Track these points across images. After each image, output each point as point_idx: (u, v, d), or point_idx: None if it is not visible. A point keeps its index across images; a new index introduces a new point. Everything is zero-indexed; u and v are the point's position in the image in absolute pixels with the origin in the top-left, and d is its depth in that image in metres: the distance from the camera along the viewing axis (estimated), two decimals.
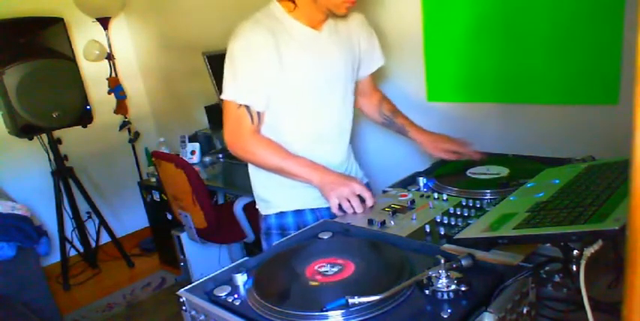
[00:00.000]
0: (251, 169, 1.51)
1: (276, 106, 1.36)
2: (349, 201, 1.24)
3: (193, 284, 0.93)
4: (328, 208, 1.37)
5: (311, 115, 1.41)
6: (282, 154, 1.34)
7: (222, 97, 1.33)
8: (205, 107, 2.93)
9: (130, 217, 3.62)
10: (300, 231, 1.16)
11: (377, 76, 2.25)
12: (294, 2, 1.31)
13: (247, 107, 1.31)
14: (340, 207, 1.26)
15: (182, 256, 2.77)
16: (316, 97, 1.39)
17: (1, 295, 2.21)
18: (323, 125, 1.44)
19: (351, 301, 0.76)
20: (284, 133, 1.40)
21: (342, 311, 0.77)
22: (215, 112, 2.91)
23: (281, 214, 1.48)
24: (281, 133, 1.39)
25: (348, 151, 1.55)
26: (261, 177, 1.48)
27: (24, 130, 2.77)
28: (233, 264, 1.03)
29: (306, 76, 1.35)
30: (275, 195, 1.48)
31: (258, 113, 1.34)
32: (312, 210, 1.48)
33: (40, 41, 2.81)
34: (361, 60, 1.52)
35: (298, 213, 1.48)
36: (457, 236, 0.99)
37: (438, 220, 1.13)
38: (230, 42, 1.31)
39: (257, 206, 1.55)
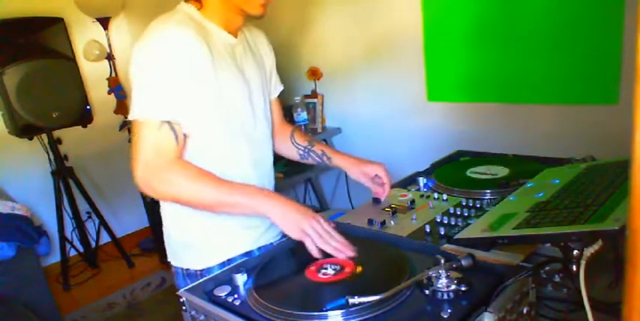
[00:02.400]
0: (169, 209, 1.20)
1: (206, 126, 1.10)
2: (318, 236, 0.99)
3: (193, 284, 0.93)
4: (277, 242, 1.21)
5: (244, 136, 1.18)
6: (221, 183, 1.04)
7: (133, 116, 1.03)
8: None
9: (130, 217, 3.62)
10: None
11: (376, 77, 2.26)
12: (200, 1, 1.10)
13: (171, 125, 1.03)
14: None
15: None
16: (247, 115, 1.18)
17: (1, 295, 2.21)
18: (256, 147, 1.22)
19: (351, 301, 0.76)
20: (214, 160, 1.13)
21: (342, 311, 0.77)
22: None
23: (228, 263, 1.17)
24: (210, 160, 1.12)
25: (272, 180, 1.32)
26: (194, 216, 1.14)
27: (24, 130, 2.77)
28: (233, 264, 1.03)
29: (234, 89, 1.14)
30: (220, 237, 1.19)
31: (184, 134, 1.06)
32: (260, 248, 1.24)
33: (40, 41, 2.81)
34: (269, 78, 1.34)
35: (248, 255, 1.20)
36: (457, 236, 0.99)
37: (438, 220, 1.13)
38: (141, 49, 1.05)
39: (178, 263, 1.21)
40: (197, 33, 1.05)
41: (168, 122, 1.03)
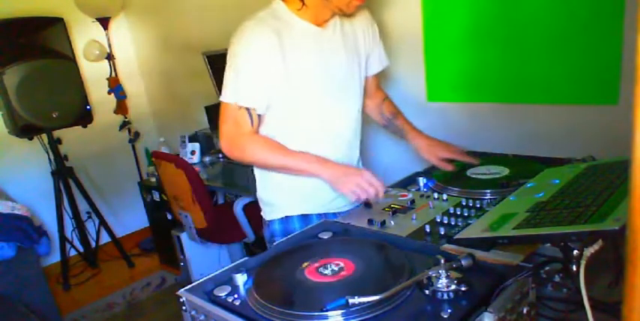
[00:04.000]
0: (257, 171, 1.47)
1: (277, 104, 1.31)
2: (360, 191, 1.22)
3: (193, 284, 0.93)
4: (335, 214, 1.37)
5: (315, 114, 1.36)
6: (285, 151, 1.30)
7: (222, 98, 1.29)
8: (205, 107, 2.93)
9: (130, 217, 3.62)
10: (300, 231, 1.17)
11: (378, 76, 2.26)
12: (302, 1, 1.27)
13: (248, 109, 1.27)
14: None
15: (182, 256, 2.77)
16: (323, 98, 1.35)
17: (1, 295, 2.21)
18: (328, 125, 1.39)
19: (351, 301, 0.76)
20: (284, 131, 1.35)
21: (342, 311, 0.77)
22: (215, 112, 2.88)
23: (286, 219, 1.43)
24: (282, 132, 1.34)
25: (355, 152, 1.50)
26: (266, 179, 1.43)
27: (24, 130, 2.77)
28: (233, 264, 1.03)
29: (311, 77, 1.31)
30: (280, 198, 1.43)
31: (259, 116, 1.30)
32: (319, 215, 1.42)
33: (40, 41, 2.81)
34: (367, 58, 1.48)
35: (304, 218, 1.42)
36: (457, 236, 0.99)
37: (438, 220, 1.13)
38: (232, 42, 1.27)
39: (261, 212, 1.49)
40: (272, 29, 1.24)
41: (245, 108, 1.27)
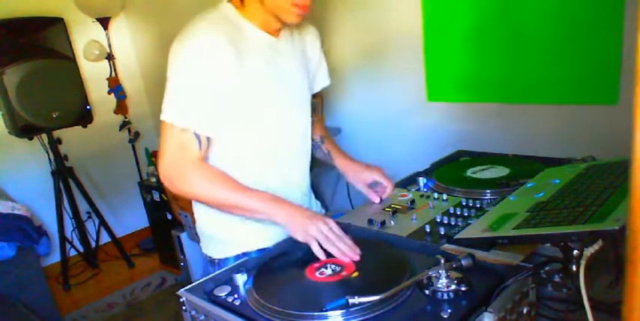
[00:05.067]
0: (198, 205, 1.26)
1: (229, 124, 1.13)
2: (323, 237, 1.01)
3: (193, 284, 0.93)
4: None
5: (268, 133, 1.19)
6: (237, 187, 1.09)
7: (164, 118, 1.07)
8: None
9: (130, 217, 3.62)
10: None
11: (376, 77, 2.26)
12: (242, 0, 1.12)
13: (195, 132, 1.07)
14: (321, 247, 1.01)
15: (182, 256, 2.76)
16: (275, 112, 1.19)
17: (1, 295, 2.21)
18: (281, 144, 1.22)
19: (351, 301, 0.77)
20: (235, 154, 1.18)
21: (342, 311, 0.77)
22: None
23: (243, 256, 1.20)
24: (231, 156, 1.17)
25: (307, 177, 1.34)
26: (214, 211, 1.20)
27: (24, 130, 2.77)
28: (233, 264, 1.04)
29: (266, 88, 1.16)
30: (235, 232, 1.23)
31: (208, 138, 1.10)
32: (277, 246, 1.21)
33: (40, 41, 2.81)
34: (314, 74, 1.36)
35: (262, 252, 1.20)
36: (457, 236, 0.99)
37: (438, 220, 1.13)
38: (176, 48, 1.08)
39: (204, 250, 1.29)
40: (226, 36, 1.07)
41: (194, 131, 1.07)
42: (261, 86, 1.14)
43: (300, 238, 1.03)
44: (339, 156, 1.41)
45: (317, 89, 1.40)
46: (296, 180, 1.29)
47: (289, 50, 1.22)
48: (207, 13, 1.12)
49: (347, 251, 0.97)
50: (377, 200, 1.30)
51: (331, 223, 1.03)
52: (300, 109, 1.28)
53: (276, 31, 1.18)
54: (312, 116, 1.36)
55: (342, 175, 1.40)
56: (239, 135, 1.16)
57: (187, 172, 1.08)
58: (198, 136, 1.08)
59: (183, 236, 2.68)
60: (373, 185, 1.34)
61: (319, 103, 1.45)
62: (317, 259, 0.97)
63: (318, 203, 1.45)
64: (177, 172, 1.09)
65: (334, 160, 1.41)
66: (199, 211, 1.28)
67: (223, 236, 1.25)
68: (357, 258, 0.96)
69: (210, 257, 1.28)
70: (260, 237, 1.22)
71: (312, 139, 1.39)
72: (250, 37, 1.13)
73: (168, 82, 1.08)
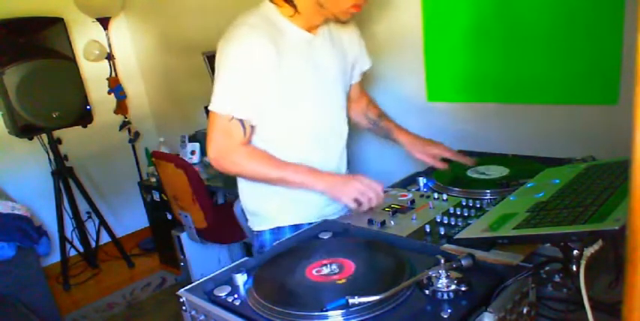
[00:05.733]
0: (241, 181, 1.41)
1: (270, 115, 1.27)
2: (362, 197, 1.18)
3: (193, 284, 0.93)
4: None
5: (306, 122, 1.33)
6: (279, 164, 1.25)
7: (212, 108, 1.22)
8: (205, 107, 2.92)
9: (130, 217, 3.62)
10: (300, 231, 1.16)
11: (376, 77, 2.26)
12: (295, 8, 1.22)
13: (241, 120, 1.22)
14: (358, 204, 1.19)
15: (182, 256, 2.77)
16: (312, 103, 1.32)
17: (1, 295, 2.21)
18: (318, 132, 1.36)
19: (351, 301, 0.76)
20: (276, 141, 1.31)
21: (342, 311, 0.77)
22: None
23: (277, 230, 1.38)
24: (273, 141, 1.31)
25: (344, 158, 1.46)
26: (254, 189, 1.38)
27: (24, 130, 2.77)
28: (233, 264, 1.03)
29: (303, 83, 1.28)
30: (269, 208, 1.38)
31: (252, 126, 1.25)
32: (311, 224, 1.35)
33: (40, 41, 2.81)
34: (354, 65, 1.46)
35: (296, 228, 1.35)
36: (457, 236, 0.99)
37: (438, 220, 1.13)
38: (223, 47, 1.20)
39: (248, 222, 1.45)
40: (267, 35, 1.19)
41: (239, 119, 1.21)
42: (298, 81, 1.26)
43: (342, 199, 1.20)
44: (399, 130, 1.55)
45: (360, 72, 1.52)
46: (334, 164, 1.41)
47: (326, 46, 1.32)
48: (248, 16, 1.22)
49: (375, 201, 1.17)
50: (445, 166, 1.45)
51: (365, 179, 1.20)
52: (337, 103, 1.39)
53: (314, 28, 1.29)
54: (359, 100, 1.58)
55: (406, 148, 1.52)
56: (280, 124, 1.29)
57: (235, 155, 1.24)
58: (242, 123, 1.22)
59: (183, 236, 2.69)
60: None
61: (360, 85, 1.59)
62: (317, 258, 0.97)
63: None
64: (226, 155, 1.24)
65: (395, 134, 1.55)
66: (243, 188, 1.42)
67: (260, 211, 1.40)
68: (379, 202, 1.18)
69: (250, 229, 1.44)
70: (292, 214, 1.37)
71: (371, 118, 1.59)
72: (289, 35, 1.24)
73: (216, 78, 1.21)
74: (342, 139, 1.43)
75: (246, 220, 1.47)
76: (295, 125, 1.31)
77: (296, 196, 1.32)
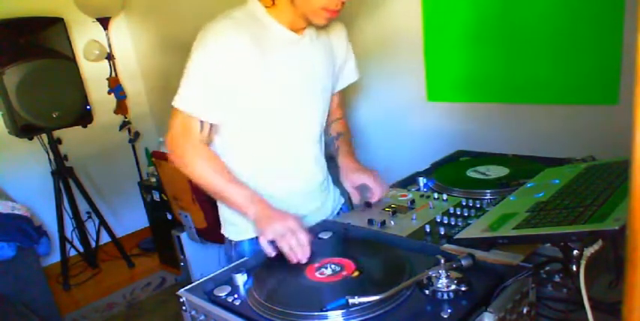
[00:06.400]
0: None
1: (243, 116, 1.20)
2: (281, 240, 1.05)
3: (193, 284, 0.93)
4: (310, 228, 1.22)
5: (286, 125, 1.26)
6: (226, 177, 1.18)
7: (175, 103, 1.17)
8: None
9: (130, 217, 3.62)
10: None
11: (376, 77, 2.26)
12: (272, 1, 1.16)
13: (201, 120, 1.17)
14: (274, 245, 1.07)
15: (182, 256, 2.76)
16: (294, 106, 1.25)
17: (1, 295, 2.21)
18: (292, 135, 1.28)
19: (351, 301, 0.77)
20: (247, 140, 1.25)
21: (343, 311, 0.77)
22: None
23: (256, 240, 1.22)
24: (243, 140, 1.25)
25: (319, 164, 1.37)
26: None
27: (24, 130, 2.77)
28: (233, 264, 1.04)
29: (284, 85, 1.21)
30: (247, 219, 1.26)
31: (211, 125, 1.19)
32: None
33: (40, 41, 2.81)
34: (340, 72, 1.40)
35: None
36: (457, 236, 0.99)
37: (438, 220, 1.13)
38: (200, 40, 1.13)
39: (222, 231, 1.37)
40: (249, 34, 1.13)
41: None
42: (282, 81, 1.20)
43: (261, 233, 1.08)
44: (342, 154, 1.43)
45: (343, 85, 1.45)
46: (311, 168, 1.34)
47: (313, 47, 1.27)
48: (234, 11, 1.17)
49: (296, 251, 1.00)
50: (356, 201, 1.33)
51: (292, 224, 1.06)
52: (317, 105, 1.31)
53: (301, 30, 1.23)
54: (332, 113, 1.44)
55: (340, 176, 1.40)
56: (254, 123, 1.22)
57: (185, 151, 1.19)
58: (201, 123, 1.17)
59: (183, 236, 2.68)
60: (363, 188, 1.33)
61: (340, 99, 1.49)
62: (317, 258, 0.97)
63: (337, 190, 1.48)
64: (176, 149, 1.19)
65: (338, 158, 1.43)
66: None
67: (237, 220, 1.31)
68: (303, 260, 0.99)
69: (227, 238, 1.36)
70: None
71: (329, 134, 1.46)
72: (275, 35, 1.18)
73: (185, 71, 1.15)
74: (316, 143, 1.35)
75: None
76: (279, 126, 1.25)
77: (274, 206, 1.20)
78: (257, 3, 1.19)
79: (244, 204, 1.15)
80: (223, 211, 1.36)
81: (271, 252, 1.04)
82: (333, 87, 1.38)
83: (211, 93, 1.15)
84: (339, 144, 1.46)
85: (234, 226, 1.33)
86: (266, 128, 1.24)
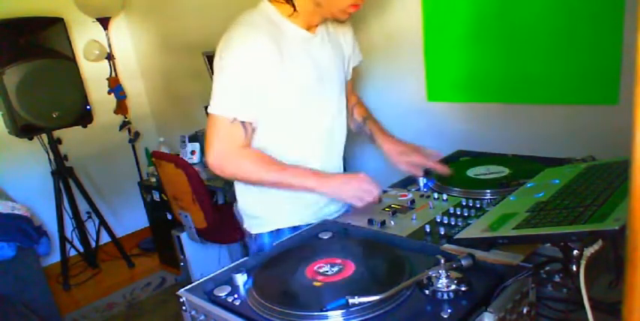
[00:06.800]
0: (238, 184, 1.38)
1: (271, 115, 1.25)
2: (364, 194, 1.21)
3: (193, 284, 0.93)
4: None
5: (308, 123, 1.31)
6: (280, 167, 1.23)
7: (213, 111, 1.19)
8: (205, 107, 2.93)
9: (130, 217, 3.62)
10: (300, 231, 1.16)
11: (376, 77, 2.26)
12: (294, 7, 1.20)
13: (243, 122, 1.19)
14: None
15: (182, 256, 2.77)
16: (313, 103, 1.30)
17: (1, 295, 2.21)
18: (320, 132, 1.35)
19: (351, 301, 0.76)
20: (277, 142, 1.30)
21: (343, 311, 0.77)
22: None
23: (277, 232, 1.36)
24: (274, 142, 1.29)
25: (342, 157, 1.45)
26: (252, 192, 1.35)
27: (24, 130, 2.77)
28: (233, 264, 1.03)
29: (305, 82, 1.26)
30: (270, 211, 1.36)
31: (252, 127, 1.23)
32: (309, 225, 1.30)
33: (40, 41, 2.81)
34: (348, 62, 1.45)
35: (295, 230, 1.30)
36: (457, 236, 0.99)
37: (438, 220, 1.13)
38: (224, 47, 1.17)
39: (244, 225, 1.42)
40: (269, 35, 1.17)
41: (241, 121, 1.19)
42: (300, 80, 1.25)
43: (346, 199, 1.22)
44: (381, 136, 1.51)
45: (353, 65, 1.50)
46: (335, 162, 1.42)
47: (325, 44, 1.32)
48: (249, 16, 1.21)
49: (369, 200, 1.20)
50: (420, 174, 1.41)
51: (364, 177, 1.22)
52: (337, 98, 1.37)
53: (313, 28, 1.28)
54: (347, 99, 1.48)
55: (385, 155, 1.48)
56: (281, 125, 1.28)
57: (237, 159, 1.22)
58: (244, 125, 1.20)
59: (183, 236, 2.69)
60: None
61: (351, 84, 1.55)
62: (317, 258, 0.97)
63: None
64: (228, 159, 1.21)
65: (376, 141, 1.51)
66: (240, 191, 1.40)
67: (259, 213, 1.37)
68: (375, 200, 1.21)
69: (248, 232, 1.40)
70: (291, 215, 1.35)
71: (355, 120, 1.55)
72: (289, 34, 1.23)
73: (216, 79, 1.19)
74: (342, 137, 1.43)
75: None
76: (297, 125, 1.30)
77: (294, 198, 1.31)
78: (269, 5, 1.22)
79: (313, 182, 1.22)
80: (243, 205, 1.40)
81: (365, 204, 1.21)
82: (345, 79, 1.44)
83: (246, 94, 1.18)
84: (371, 127, 1.53)
85: (255, 219, 1.38)
86: (286, 127, 1.29)
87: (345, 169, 1.49)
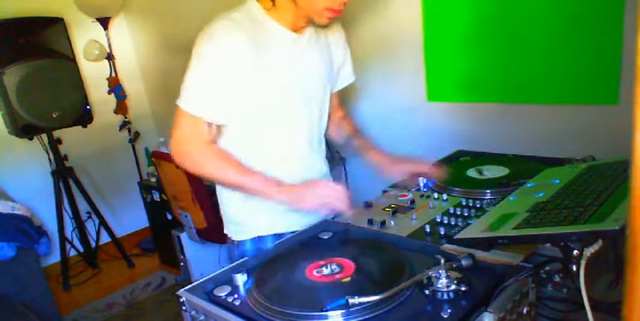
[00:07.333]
0: (221, 189, 1.36)
1: (245, 117, 1.22)
2: (327, 200, 1.16)
3: (193, 284, 0.93)
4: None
5: (284, 128, 1.28)
6: (241, 169, 1.20)
7: (179, 103, 1.18)
8: None
9: (130, 217, 3.62)
10: (299, 231, 1.16)
11: (376, 77, 2.26)
12: (272, 1, 1.17)
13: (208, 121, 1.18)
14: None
15: (182, 256, 2.77)
16: (292, 107, 1.27)
17: (1, 295, 2.21)
18: (297, 139, 1.31)
19: (351, 301, 0.76)
20: (249, 142, 1.27)
21: (342, 311, 0.77)
22: None
23: (259, 239, 1.33)
24: (245, 142, 1.27)
25: (325, 167, 1.43)
26: (235, 197, 1.32)
27: (24, 130, 2.77)
28: (233, 264, 1.04)
29: (283, 85, 1.23)
30: (250, 217, 1.33)
31: (218, 125, 1.21)
32: (293, 233, 1.27)
33: (40, 41, 2.81)
34: (338, 73, 1.42)
35: (278, 237, 1.28)
36: (457, 236, 0.99)
37: (438, 220, 1.13)
38: (201, 42, 1.14)
39: (225, 230, 1.39)
40: (247, 34, 1.14)
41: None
42: (281, 81, 1.22)
43: (307, 207, 1.17)
44: (370, 151, 1.47)
45: (342, 86, 1.48)
46: (316, 164, 1.38)
47: (312, 47, 1.28)
48: (233, 12, 1.19)
49: (341, 207, 1.14)
50: (416, 183, 1.38)
51: (324, 183, 1.19)
52: (317, 108, 1.33)
53: (301, 29, 1.25)
54: (334, 113, 1.47)
55: (378, 169, 1.43)
56: (255, 124, 1.24)
57: (196, 153, 1.19)
58: (208, 124, 1.18)
59: (183, 236, 2.69)
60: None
61: (338, 97, 1.52)
62: (317, 258, 0.97)
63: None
64: (186, 151, 1.20)
65: (365, 156, 1.47)
66: (222, 195, 1.37)
67: (239, 219, 1.34)
68: (349, 210, 1.15)
69: (230, 238, 1.38)
70: (274, 223, 1.32)
71: (343, 134, 1.52)
72: (273, 35, 1.20)
73: (188, 72, 1.16)
74: (319, 145, 1.39)
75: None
76: (268, 128, 1.26)
77: (275, 207, 1.25)
78: (255, 3, 1.20)
79: (272, 190, 1.18)
80: (226, 211, 1.37)
81: (331, 213, 1.16)
82: (332, 87, 1.40)
83: (214, 93, 1.16)
84: (358, 143, 1.50)
85: (237, 226, 1.35)
86: (267, 128, 1.25)
87: (345, 171, 1.49)
